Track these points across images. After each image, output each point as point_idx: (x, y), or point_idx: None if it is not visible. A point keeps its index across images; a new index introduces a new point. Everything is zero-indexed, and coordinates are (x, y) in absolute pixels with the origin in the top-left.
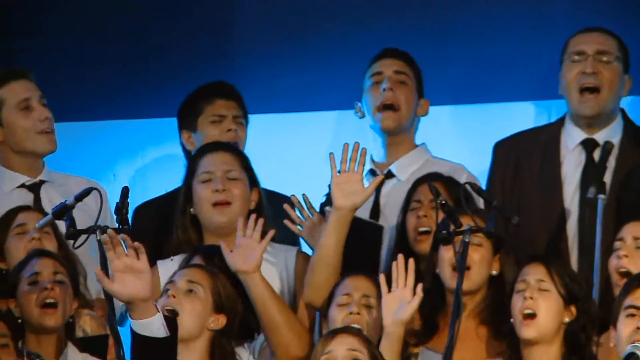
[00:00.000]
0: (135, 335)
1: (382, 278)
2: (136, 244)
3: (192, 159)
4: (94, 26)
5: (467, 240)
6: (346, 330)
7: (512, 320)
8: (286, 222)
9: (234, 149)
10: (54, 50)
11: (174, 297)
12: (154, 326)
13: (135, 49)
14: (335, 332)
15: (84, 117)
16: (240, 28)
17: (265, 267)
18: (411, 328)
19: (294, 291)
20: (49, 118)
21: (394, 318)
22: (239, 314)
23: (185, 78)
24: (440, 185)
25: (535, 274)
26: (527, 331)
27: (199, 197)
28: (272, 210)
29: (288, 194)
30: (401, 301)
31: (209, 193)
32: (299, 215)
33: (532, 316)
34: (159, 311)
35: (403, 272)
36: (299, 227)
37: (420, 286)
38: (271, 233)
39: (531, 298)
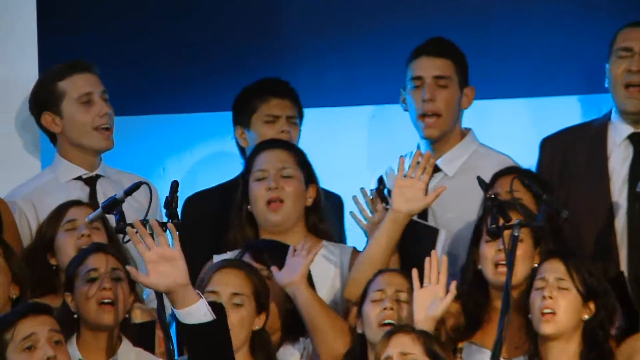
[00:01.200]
0: (183, 327)
1: (414, 273)
2: (170, 225)
3: (250, 156)
4: (145, 20)
5: (516, 234)
6: (400, 329)
7: (530, 316)
8: (352, 214)
9: (291, 146)
10: (105, 44)
11: None
12: (199, 312)
13: (186, 43)
14: (390, 334)
15: (134, 111)
16: (289, 21)
17: (320, 265)
18: (456, 324)
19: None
20: (108, 114)
21: (427, 314)
22: (280, 309)
23: (235, 72)
24: (516, 181)
25: (554, 272)
26: (545, 327)
27: (254, 195)
28: (328, 206)
29: (330, 188)
30: (434, 297)
31: (263, 191)
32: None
33: (551, 313)
34: (201, 297)
35: (436, 268)
36: (364, 220)
37: (454, 283)
38: (318, 248)
39: (550, 297)
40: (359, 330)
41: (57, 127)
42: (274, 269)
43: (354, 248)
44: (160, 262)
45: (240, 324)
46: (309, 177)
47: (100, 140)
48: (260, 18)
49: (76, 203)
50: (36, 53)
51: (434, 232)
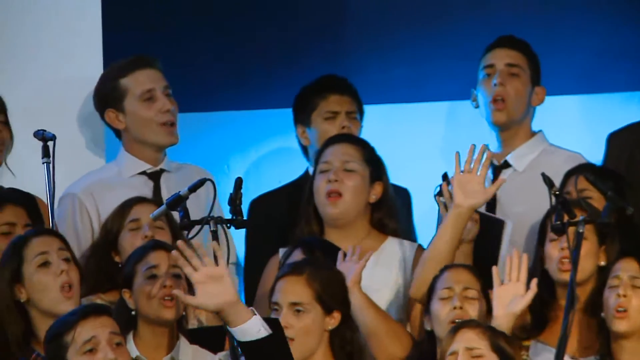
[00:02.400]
0: (240, 344)
1: (494, 270)
2: (214, 243)
3: (319, 150)
4: (208, 17)
5: (580, 231)
6: (466, 324)
7: (603, 314)
8: (438, 199)
9: (359, 142)
10: (169, 41)
11: (286, 327)
12: (253, 329)
13: (250, 40)
14: (455, 330)
15: (198, 107)
16: (353, 18)
17: (384, 262)
18: (522, 322)
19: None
20: (170, 110)
21: (506, 310)
22: (349, 301)
23: (299, 69)
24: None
25: (628, 270)
26: (619, 325)
27: (315, 187)
28: (397, 201)
29: (402, 184)
30: (514, 294)
31: (324, 183)
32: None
33: (624, 311)
34: (255, 313)
35: (517, 265)
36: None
37: (534, 281)
38: (369, 254)
39: (624, 296)
40: (427, 327)
41: (120, 124)
42: None
43: (419, 245)
44: (208, 282)
45: (305, 331)
46: (376, 173)
47: (164, 136)
48: (328, 14)
49: (140, 200)
50: (101, 50)
51: (500, 224)
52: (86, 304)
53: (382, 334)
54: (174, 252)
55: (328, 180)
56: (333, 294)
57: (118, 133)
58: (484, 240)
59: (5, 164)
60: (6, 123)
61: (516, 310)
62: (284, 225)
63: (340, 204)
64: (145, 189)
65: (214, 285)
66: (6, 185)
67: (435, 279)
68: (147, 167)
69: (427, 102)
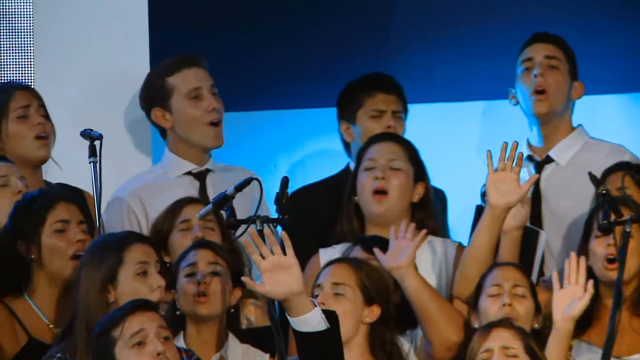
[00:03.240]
0: (297, 334)
1: (554, 275)
2: (283, 233)
3: (362, 148)
4: (255, 16)
5: (628, 230)
6: (500, 324)
7: None
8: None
9: (404, 141)
10: (215, 40)
11: (323, 304)
12: (313, 321)
13: (295, 39)
14: (490, 327)
15: (245, 107)
16: (399, 16)
17: (424, 259)
18: None
19: (452, 284)
20: (217, 109)
21: (565, 314)
22: (393, 301)
23: (344, 67)
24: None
25: None
26: None
27: (360, 184)
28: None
29: (438, 184)
30: (572, 298)
31: (370, 180)
32: None
33: None
34: (316, 305)
35: (575, 268)
36: None
37: (590, 282)
38: (423, 232)
39: None
40: (475, 325)
41: (167, 123)
42: (377, 252)
43: (460, 243)
44: (276, 270)
45: (343, 314)
46: (419, 173)
47: (210, 138)
48: (372, 13)
49: (191, 201)
50: (147, 49)
51: (535, 234)
52: (133, 300)
53: (437, 317)
54: (246, 239)
55: (375, 178)
56: (376, 286)
57: (163, 133)
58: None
59: (52, 158)
60: (47, 117)
61: (574, 314)
62: (321, 219)
63: (386, 202)
64: (191, 189)
65: (282, 274)
66: (53, 181)
67: (484, 276)
68: (192, 167)
69: (464, 101)
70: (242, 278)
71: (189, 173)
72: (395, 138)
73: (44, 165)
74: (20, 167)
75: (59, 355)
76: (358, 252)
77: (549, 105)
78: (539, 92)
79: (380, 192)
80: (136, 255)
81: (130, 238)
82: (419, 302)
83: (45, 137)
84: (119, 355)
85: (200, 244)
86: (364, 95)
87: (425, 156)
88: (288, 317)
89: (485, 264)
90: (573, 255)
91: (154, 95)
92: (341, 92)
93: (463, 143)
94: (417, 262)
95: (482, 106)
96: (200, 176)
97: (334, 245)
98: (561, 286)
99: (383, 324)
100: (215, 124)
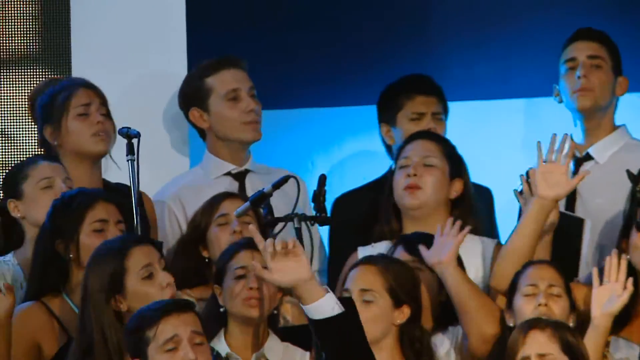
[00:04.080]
0: (313, 323)
1: (594, 272)
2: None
3: (400, 147)
4: (292, 14)
5: None
6: (536, 325)
7: None
8: (517, 193)
9: (439, 138)
10: (254, 38)
11: None
12: (327, 306)
13: (334, 37)
14: (527, 330)
15: (283, 104)
16: (439, 13)
17: (464, 258)
18: None
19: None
20: (255, 110)
21: (603, 310)
22: (420, 297)
23: (383, 65)
24: None
25: None
26: None
27: (394, 181)
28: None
29: (480, 181)
30: (611, 294)
31: (403, 177)
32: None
33: None
34: (328, 291)
35: (616, 265)
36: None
37: (630, 280)
38: (467, 228)
39: None
40: (510, 323)
41: (205, 123)
42: (422, 248)
43: (498, 242)
44: (284, 258)
45: (373, 320)
46: (456, 170)
47: (247, 132)
48: (409, 11)
49: (229, 196)
50: (185, 49)
51: (579, 222)
52: (170, 300)
53: (475, 310)
54: (251, 227)
55: (407, 175)
56: (405, 287)
57: (202, 133)
58: (563, 239)
59: (110, 156)
60: (109, 116)
61: (613, 310)
62: (366, 223)
63: (419, 194)
64: (230, 189)
65: (290, 261)
66: (112, 179)
67: (518, 274)
68: (231, 167)
69: (508, 99)
70: (252, 263)
71: (228, 174)
72: (430, 136)
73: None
74: (78, 165)
75: None
76: (401, 254)
77: (593, 100)
78: (582, 90)
79: (413, 188)
80: (138, 260)
81: (128, 243)
82: (458, 295)
83: (104, 134)
84: (152, 356)
85: (248, 244)
86: (403, 97)
87: (467, 154)
88: (302, 306)
89: (526, 257)
90: (614, 252)
91: (192, 95)
92: (381, 95)
93: (505, 141)
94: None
95: (524, 104)
96: (240, 177)
97: (372, 244)
98: (601, 283)
99: (413, 323)
100: (253, 124)
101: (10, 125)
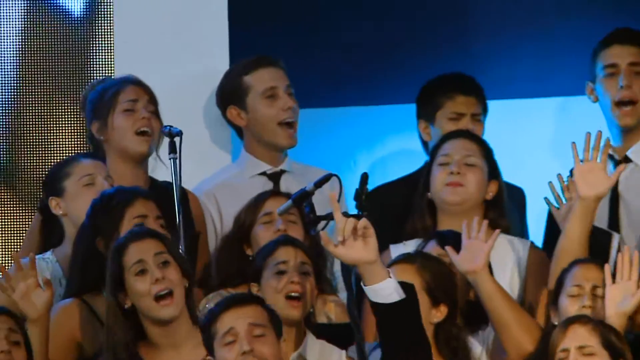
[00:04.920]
0: (372, 305)
1: (606, 268)
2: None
3: (436, 144)
4: (334, 13)
5: None
6: (577, 320)
7: None
8: (546, 199)
9: (478, 139)
10: (295, 37)
11: None
12: (385, 291)
13: (375, 35)
14: (567, 324)
15: (325, 103)
16: (478, 12)
17: (497, 256)
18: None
19: (525, 285)
20: (292, 108)
21: (617, 309)
22: (457, 296)
23: (424, 63)
24: None
25: None
26: None
27: (434, 178)
28: (510, 201)
29: (516, 180)
30: (625, 293)
31: (444, 175)
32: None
33: None
34: (390, 276)
35: (628, 264)
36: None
37: None
38: (496, 233)
39: None
40: (555, 322)
41: (242, 121)
42: (450, 251)
43: (532, 243)
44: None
45: None
46: (493, 172)
47: (283, 138)
48: (449, 9)
49: (274, 194)
50: (227, 47)
51: (608, 236)
52: (233, 294)
53: (512, 324)
54: (331, 194)
55: (450, 172)
56: (442, 286)
57: (239, 132)
58: (591, 252)
59: (157, 154)
60: (156, 113)
61: (627, 310)
62: (399, 217)
63: (460, 191)
64: (265, 189)
65: (358, 240)
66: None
67: (565, 272)
68: (267, 167)
69: (546, 97)
70: (320, 232)
71: (263, 174)
72: (470, 135)
73: (154, 163)
74: (123, 162)
75: None
76: (433, 247)
77: (636, 117)
78: (626, 102)
79: (455, 185)
80: (132, 257)
81: (126, 242)
82: (492, 307)
83: (148, 132)
84: (216, 350)
85: (288, 241)
86: (443, 97)
87: (502, 153)
88: (362, 285)
89: (577, 257)
90: (626, 249)
91: (230, 93)
92: (421, 91)
93: (538, 139)
94: (492, 257)
95: (560, 102)
96: (275, 177)
97: (404, 242)
98: (614, 281)
99: (449, 321)
100: (289, 123)
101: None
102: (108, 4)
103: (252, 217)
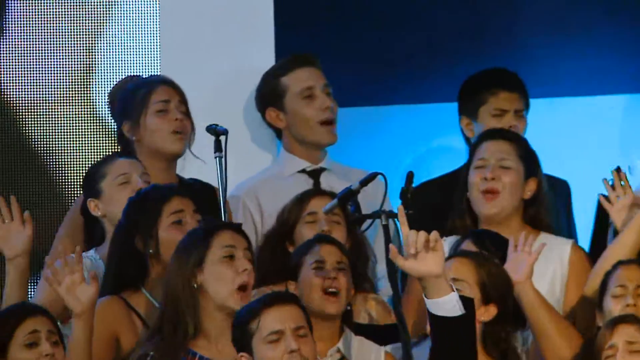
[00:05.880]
0: (431, 316)
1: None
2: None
3: (474, 144)
4: (381, 11)
5: None
6: (624, 319)
7: None
8: (601, 197)
9: (514, 138)
10: (340, 36)
11: None
12: (448, 305)
13: (420, 33)
14: (614, 323)
15: (371, 102)
16: (524, 10)
17: (540, 258)
18: None
19: (567, 285)
20: (330, 107)
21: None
22: (510, 300)
23: (471, 62)
24: None
25: None
26: None
27: (470, 182)
28: (552, 195)
29: (572, 179)
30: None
31: (479, 179)
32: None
33: None
34: (453, 290)
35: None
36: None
37: None
38: (541, 246)
39: None
40: (600, 324)
41: (281, 123)
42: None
43: (574, 242)
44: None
45: None
46: (531, 169)
47: (323, 134)
48: (497, 7)
49: (318, 193)
50: (273, 46)
51: None
52: (274, 292)
53: (554, 334)
54: (400, 207)
55: (484, 178)
56: (496, 286)
57: (279, 133)
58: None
59: (191, 151)
60: (187, 114)
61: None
62: (442, 214)
63: (497, 203)
64: (306, 186)
65: (427, 253)
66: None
67: (608, 275)
68: (306, 165)
69: (599, 95)
70: (390, 245)
71: (303, 171)
72: (505, 135)
73: (182, 162)
74: (155, 161)
75: (151, 354)
76: (467, 246)
77: None
78: None
79: (490, 194)
80: (223, 240)
81: (221, 226)
82: (534, 317)
83: (181, 132)
84: (256, 347)
85: (325, 238)
86: (487, 93)
87: (554, 149)
88: (424, 298)
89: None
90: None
91: (268, 95)
92: (463, 86)
93: (599, 138)
94: None
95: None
96: (315, 174)
97: (444, 238)
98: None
99: (499, 323)
100: (328, 122)
101: None
102: (154, 2)
103: (296, 215)
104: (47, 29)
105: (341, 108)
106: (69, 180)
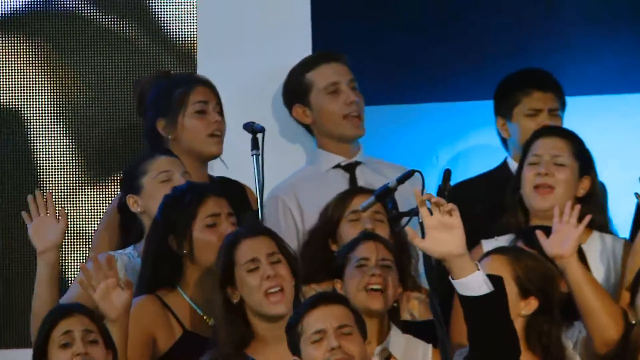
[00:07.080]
0: (461, 298)
1: None
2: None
3: (528, 141)
4: (417, 8)
5: None
6: None
7: None
8: (637, 194)
9: (569, 135)
10: (378, 32)
11: None
12: (474, 284)
13: (457, 31)
14: None
15: (408, 99)
16: (559, 10)
17: (593, 253)
18: None
19: (621, 283)
20: (355, 102)
21: None
22: (552, 293)
23: (506, 60)
24: None
25: None
26: None
27: (524, 178)
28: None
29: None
30: None
31: (533, 175)
32: None
33: None
34: (478, 268)
35: None
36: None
37: None
38: (587, 218)
39: None
40: (633, 321)
41: (307, 119)
42: (540, 235)
43: (626, 240)
44: (439, 228)
45: None
46: (585, 167)
47: (347, 127)
48: (533, 5)
49: (361, 191)
50: (310, 43)
51: None
52: (319, 293)
53: (599, 311)
54: (416, 190)
55: (538, 174)
56: (534, 279)
57: (309, 129)
58: None
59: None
60: (221, 113)
61: None
62: (478, 213)
63: (550, 198)
64: (342, 181)
65: (444, 233)
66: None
67: None
68: (340, 159)
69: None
70: (405, 228)
71: (338, 166)
72: (561, 132)
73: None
74: (189, 161)
75: None
76: (519, 245)
77: None
78: None
79: (544, 187)
80: (245, 254)
81: (239, 237)
82: (580, 293)
83: (220, 135)
84: (303, 349)
85: (369, 236)
86: (520, 93)
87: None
88: (451, 279)
89: None
90: None
91: (294, 91)
92: (498, 87)
93: (626, 136)
94: (587, 255)
95: None
96: (350, 168)
97: (496, 237)
98: None
99: (541, 316)
100: (352, 115)
101: None
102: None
103: (340, 212)
104: (87, 24)
105: (378, 106)
106: None
